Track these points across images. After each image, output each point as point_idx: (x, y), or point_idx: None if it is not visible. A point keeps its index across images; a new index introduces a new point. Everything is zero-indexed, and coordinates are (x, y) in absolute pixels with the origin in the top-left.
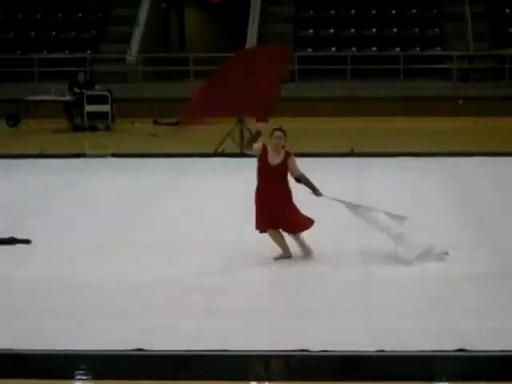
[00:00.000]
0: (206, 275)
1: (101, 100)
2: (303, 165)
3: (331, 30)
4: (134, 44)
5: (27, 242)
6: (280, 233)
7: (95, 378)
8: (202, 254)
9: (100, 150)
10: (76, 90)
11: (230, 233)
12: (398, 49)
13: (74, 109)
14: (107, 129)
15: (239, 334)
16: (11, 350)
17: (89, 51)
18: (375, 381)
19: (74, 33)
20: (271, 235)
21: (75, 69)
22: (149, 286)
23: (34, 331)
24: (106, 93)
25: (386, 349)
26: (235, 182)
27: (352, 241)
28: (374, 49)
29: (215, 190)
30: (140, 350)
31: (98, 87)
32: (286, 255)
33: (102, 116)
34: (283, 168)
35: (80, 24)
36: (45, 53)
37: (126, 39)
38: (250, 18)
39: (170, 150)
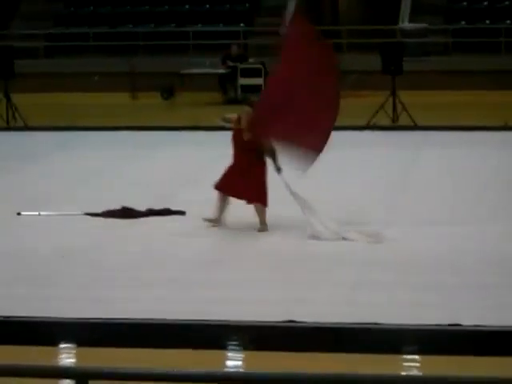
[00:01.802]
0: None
1: (254, 73)
2: (457, 137)
3: (485, 3)
4: (288, 17)
5: (182, 213)
6: (226, 201)
7: (246, 348)
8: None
9: None
10: (229, 62)
11: (379, 208)
12: None
13: (228, 82)
14: None
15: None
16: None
17: (242, 24)
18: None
19: (228, 6)
20: (218, 197)
21: (229, 42)
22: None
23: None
24: (260, 66)
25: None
26: (387, 155)
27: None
28: None
29: (369, 163)
30: (291, 321)
31: (251, 60)
32: (216, 222)
33: (255, 89)
34: (255, 142)
35: None
36: (199, 26)
37: (280, 12)
38: None
39: None
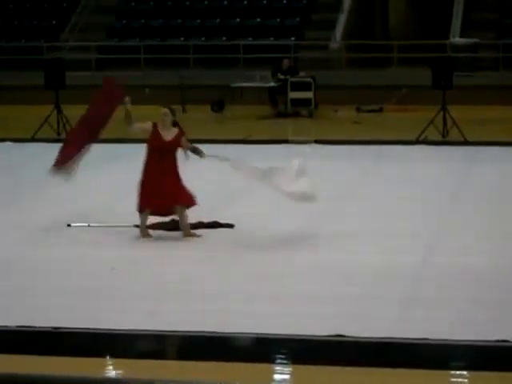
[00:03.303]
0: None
1: (304, 86)
2: (508, 152)
3: None
4: (338, 31)
5: (231, 226)
6: (147, 217)
7: (295, 362)
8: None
9: (303, 136)
10: (280, 76)
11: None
12: None
13: (278, 95)
14: (310, 115)
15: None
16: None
17: (293, 38)
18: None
19: (278, 20)
20: (141, 216)
21: (279, 55)
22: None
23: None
24: (310, 79)
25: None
26: (438, 170)
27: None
28: None
29: (419, 178)
30: (340, 336)
31: (301, 74)
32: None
33: (305, 102)
34: (175, 144)
35: (285, 11)
36: (250, 39)
37: (330, 26)
38: (455, 6)
39: (372, 137)
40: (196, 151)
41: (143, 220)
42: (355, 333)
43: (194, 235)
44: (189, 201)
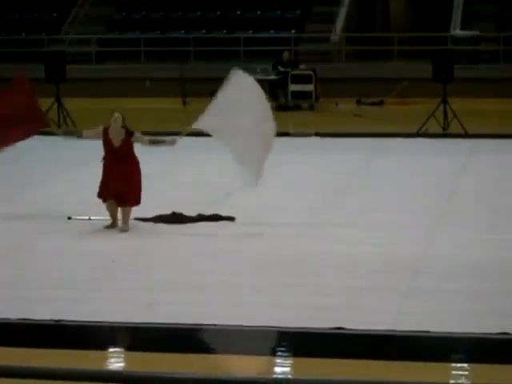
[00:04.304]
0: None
1: (305, 79)
2: (508, 145)
3: None
4: (339, 23)
5: (232, 219)
6: (115, 205)
7: (295, 355)
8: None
9: (304, 129)
10: (280, 68)
11: (430, 216)
12: None
13: (279, 88)
14: (311, 108)
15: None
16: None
17: (293, 30)
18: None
19: (279, 12)
20: (108, 206)
21: (280, 48)
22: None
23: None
24: (310, 72)
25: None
26: (439, 163)
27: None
28: None
29: (419, 171)
30: (339, 328)
31: (302, 66)
32: (113, 226)
33: (306, 95)
34: (126, 146)
35: (285, 3)
36: (250, 32)
37: (331, 19)
38: None
39: (373, 130)
40: (156, 142)
41: (111, 208)
42: (355, 325)
43: (125, 230)
44: (136, 201)
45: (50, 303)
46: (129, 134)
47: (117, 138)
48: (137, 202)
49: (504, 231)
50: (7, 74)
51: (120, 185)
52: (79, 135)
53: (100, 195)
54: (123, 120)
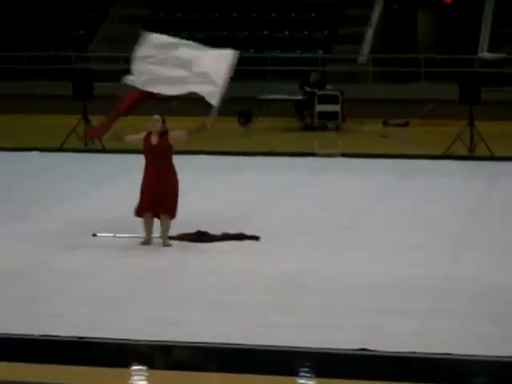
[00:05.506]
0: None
1: (332, 100)
2: None
3: None
4: (366, 44)
5: (256, 238)
6: (152, 220)
7: (318, 375)
8: (428, 254)
9: (330, 149)
10: (307, 89)
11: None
12: None
13: (305, 108)
14: (337, 129)
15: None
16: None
17: (321, 51)
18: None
19: (306, 32)
20: (144, 220)
21: (307, 68)
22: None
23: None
24: (337, 93)
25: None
26: (464, 185)
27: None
28: None
29: (445, 192)
30: (363, 349)
31: (329, 87)
32: (147, 242)
33: (332, 116)
34: (163, 145)
35: (313, 24)
36: (278, 52)
37: (358, 40)
38: (483, 20)
39: (399, 151)
40: (197, 130)
41: (146, 223)
42: (379, 347)
43: (168, 245)
44: (174, 214)
45: (75, 320)
46: (164, 134)
47: (155, 139)
48: (172, 215)
49: None
50: (35, 92)
51: (157, 197)
52: (121, 137)
53: (138, 210)
54: (163, 121)
